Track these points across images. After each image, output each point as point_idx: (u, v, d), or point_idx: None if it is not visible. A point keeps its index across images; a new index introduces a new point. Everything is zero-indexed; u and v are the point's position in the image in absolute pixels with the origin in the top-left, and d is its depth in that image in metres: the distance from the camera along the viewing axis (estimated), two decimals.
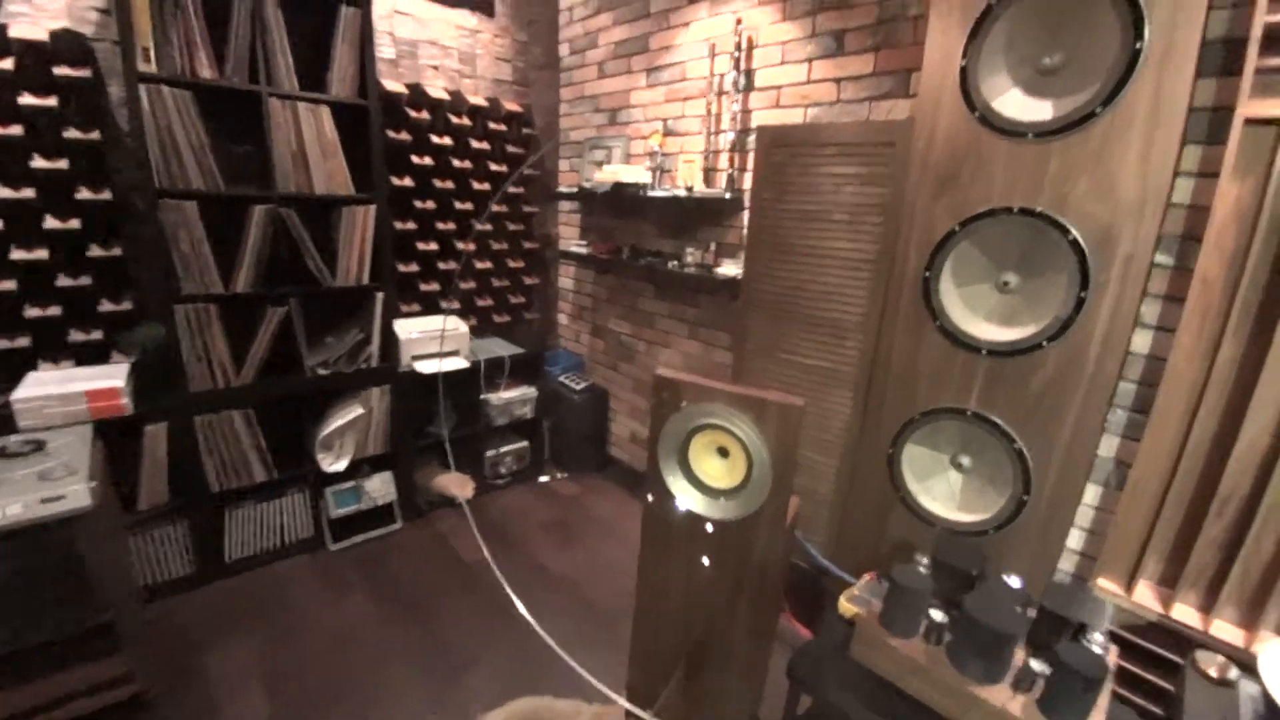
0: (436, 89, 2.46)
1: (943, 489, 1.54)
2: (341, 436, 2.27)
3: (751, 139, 2.04)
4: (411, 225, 2.43)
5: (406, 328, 2.39)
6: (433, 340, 2.42)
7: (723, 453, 1.15)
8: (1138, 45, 1.14)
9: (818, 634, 1.92)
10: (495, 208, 2.69)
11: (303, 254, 2.04)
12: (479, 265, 2.70)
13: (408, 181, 2.38)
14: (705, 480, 1.17)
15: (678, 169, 2.30)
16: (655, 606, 1.37)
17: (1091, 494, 1.51)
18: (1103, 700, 0.89)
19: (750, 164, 2.06)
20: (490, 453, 2.77)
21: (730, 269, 2.01)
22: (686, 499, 1.18)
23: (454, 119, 2.49)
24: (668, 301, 2.51)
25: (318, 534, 2.31)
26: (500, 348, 2.76)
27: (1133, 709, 1.11)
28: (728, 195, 2.02)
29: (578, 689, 1.71)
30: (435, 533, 2.46)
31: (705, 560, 1.20)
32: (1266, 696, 0.86)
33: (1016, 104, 1.31)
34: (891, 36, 1.68)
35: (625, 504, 2.76)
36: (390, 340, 2.32)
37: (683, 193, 2.10)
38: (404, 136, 2.34)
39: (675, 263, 2.20)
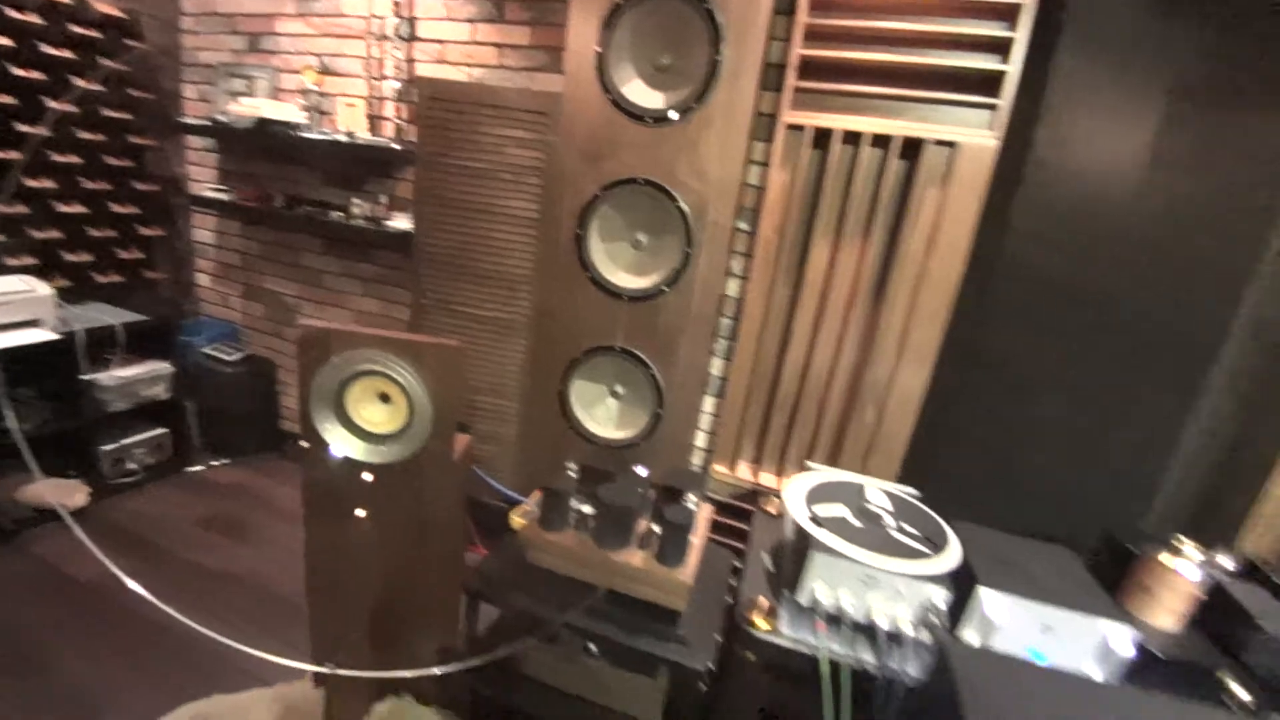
0: None
1: (604, 414, 1.82)
2: None
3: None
4: None
5: None
6: None
7: (384, 399, 1.18)
8: (716, 58, 1.48)
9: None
10: (87, 136, 2.11)
11: None
12: (64, 208, 2.10)
13: None
14: (368, 427, 1.19)
15: (338, 112, 2.13)
16: (332, 568, 1.35)
17: (709, 404, 1.97)
18: (698, 543, 1.22)
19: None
20: (109, 446, 2.23)
21: (403, 222, 1.97)
22: (345, 447, 1.18)
23: (14, 13, 1.86)
24: (339, 258, 2.33)
25: None
26: (109, 315, 2.21)
27: (731, 551, 1.54)
28: (396, 145, 1.96)
29: (259, 678, 1.59)
30: (33, 556, 1.92)
31: (360, 512, 1.23)
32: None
33: (640, 92, 1.57)
34: (545, 15, 1.83)
35: None
36: None
37: (344, 138, 1.96)
38: None
39: (341, 214, 2.05)
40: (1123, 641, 0.97)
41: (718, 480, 1.92)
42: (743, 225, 1.78)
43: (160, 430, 2.37)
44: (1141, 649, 1.00)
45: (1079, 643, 0.98)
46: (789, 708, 1.08)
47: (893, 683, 0.96)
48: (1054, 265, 1.49)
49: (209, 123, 2.20)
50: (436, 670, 1.19)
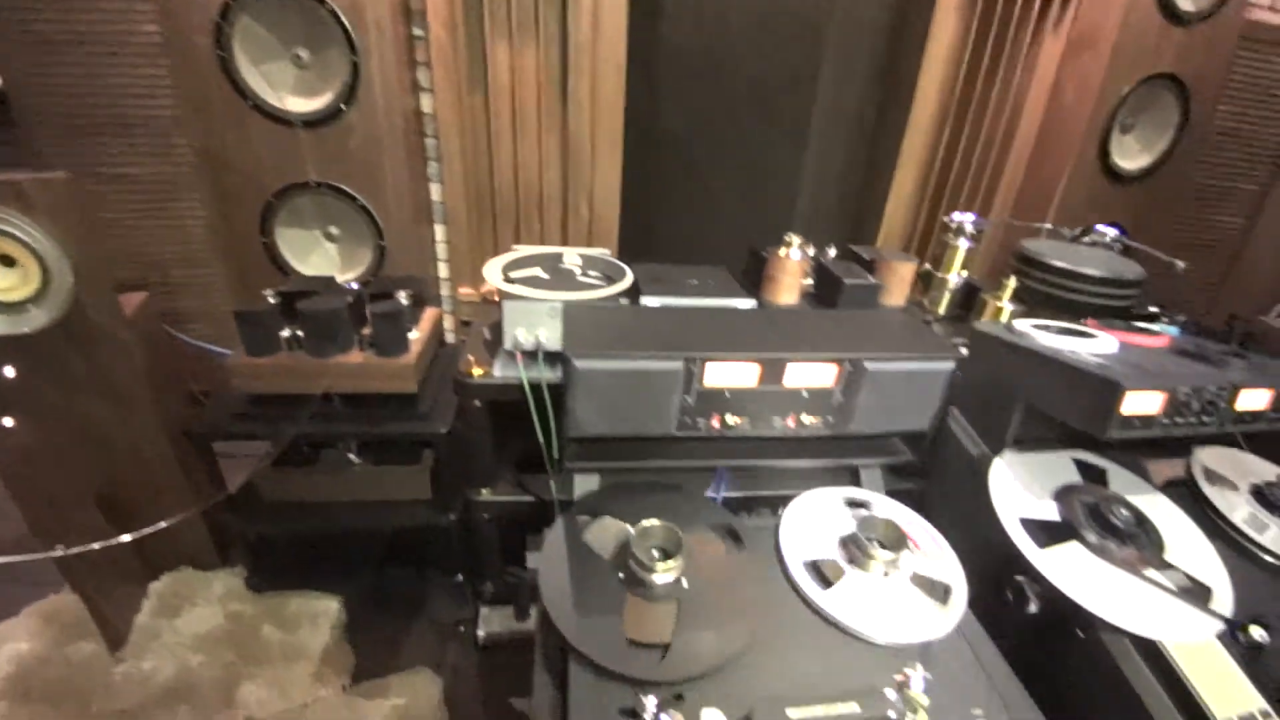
0: None
1: (323, 259, 1.76)
2: None
3: None
4: None
5: None
6: None
7: (8, 261, 1.04)
8: None
9: None
10: None
11: None
12: None
13: None
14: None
15: None
16: (31, 468, 1.24)
17: (440, 233, 1.98)
18: (422, 335, 1.31)
19: None
20: None
21: None
22: None
23: None
24: None
25: None
26: None
27: None
28: None
29: (6, 613, 1.46)
30: None
31: (7, 421, 1.14)
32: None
33: None
34: None
35: None
36: None
37: None
38: None
39: None
40: (749, 307, 1.27)
41: (465, 302, 2.01)
42: (418, 31, 1.71)
43: None
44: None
45: None
46: (519, 439, 1.27)
47: None
48: (697, 43, 1.67)
49: None
50: (164, 523, 1.18)
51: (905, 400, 0.87)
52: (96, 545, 1.17)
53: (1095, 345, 1.02)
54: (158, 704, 1.27)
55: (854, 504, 0.94)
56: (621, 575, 0.78)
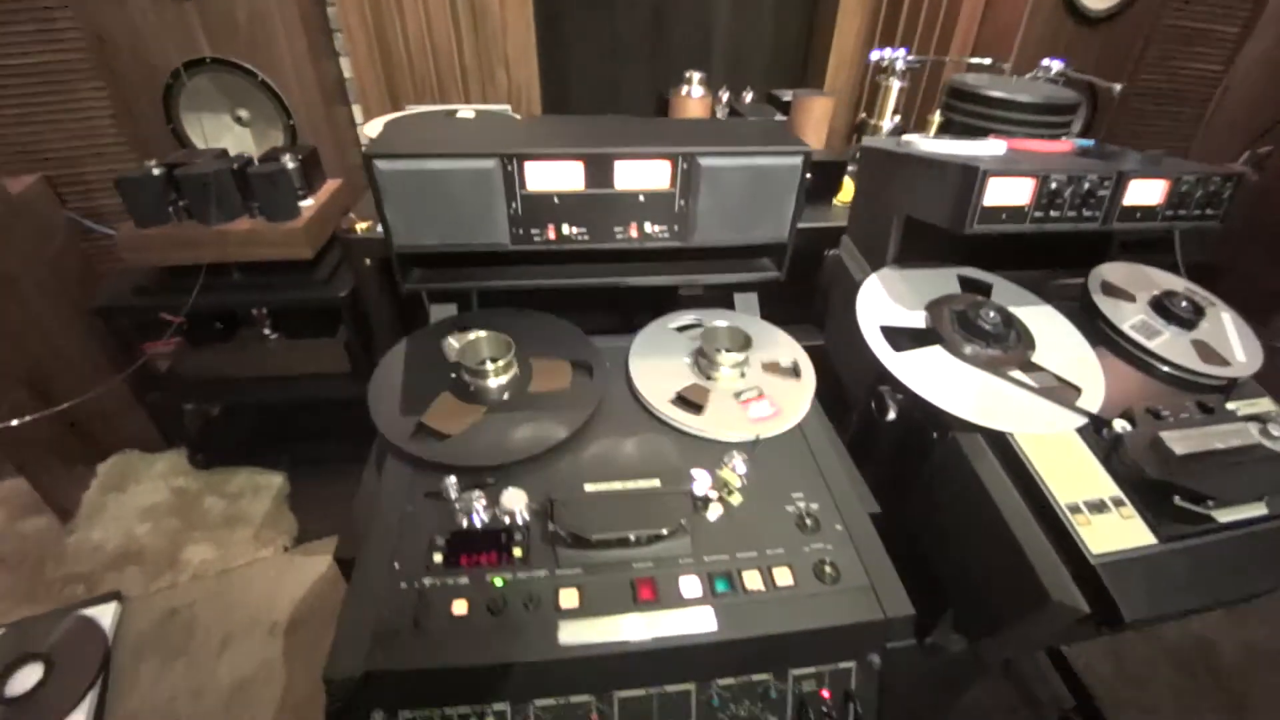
0: None
1: (238, 145, 1.71)
2: None
3: None
4: None
5: None
6: None
7: None
8: None
9: None
10: None
11: None
12: None
13: None
14: None
15: None
16: None
17: (359, 113, 1.91)
18: (316, 203, 1.29)
19: None
20: None
21: None
22: None
23: None
24: None
25: None
26: None
27: None
28: None
29: None
30: None
31: None
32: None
33: None
34: None
35: None
36: None
37: None
38: None
39: None
40: None
41: None
42: None
43: None
44: None
45: None
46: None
47: None
48: None
49: None
50: (65, 406, 1.21)
51: (753, 203, 0.84)
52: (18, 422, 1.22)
53: (979, 148, 0.97)
54: (107, 568, 1.35)
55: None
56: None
